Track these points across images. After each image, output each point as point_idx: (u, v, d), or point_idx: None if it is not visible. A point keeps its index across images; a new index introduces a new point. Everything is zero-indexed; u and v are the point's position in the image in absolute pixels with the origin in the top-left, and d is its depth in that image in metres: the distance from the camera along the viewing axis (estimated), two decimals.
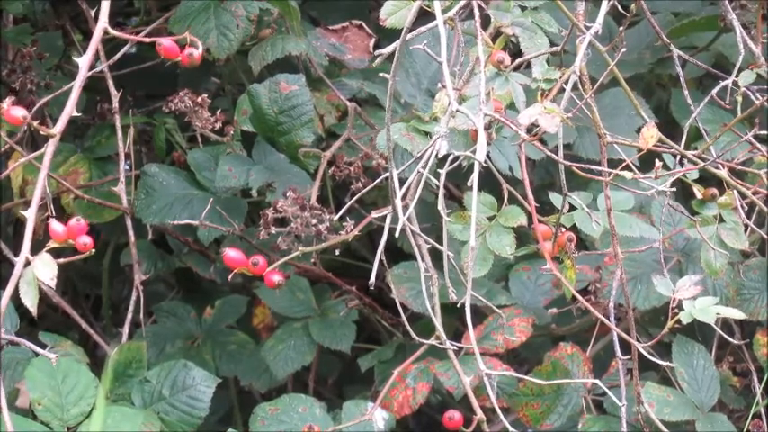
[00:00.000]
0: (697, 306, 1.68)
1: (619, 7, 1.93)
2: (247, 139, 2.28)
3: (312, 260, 2.26)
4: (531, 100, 1.71)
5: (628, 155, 1.78)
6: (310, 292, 2.42)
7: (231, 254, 1.91)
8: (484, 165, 1.63)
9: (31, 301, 1.62)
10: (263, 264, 1.91)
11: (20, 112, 1.67)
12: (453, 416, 1.91)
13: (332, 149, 2.22)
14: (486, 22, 1.81)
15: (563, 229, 1.86)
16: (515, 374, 1.96)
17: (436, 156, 1.67)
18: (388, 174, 1.79)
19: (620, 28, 1.96)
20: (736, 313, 1.70)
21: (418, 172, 1.71)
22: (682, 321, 1.68)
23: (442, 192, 1.68)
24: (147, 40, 1.79)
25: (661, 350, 2.15)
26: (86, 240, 1.67)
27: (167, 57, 1.77)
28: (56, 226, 1.67)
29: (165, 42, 1.76)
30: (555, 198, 1.88)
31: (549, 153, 1.73)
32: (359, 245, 2.66)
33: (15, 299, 1.68)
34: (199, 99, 2.20)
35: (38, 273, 1.61)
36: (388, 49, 1.75)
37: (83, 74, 1.71)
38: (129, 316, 2.26)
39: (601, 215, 1.86)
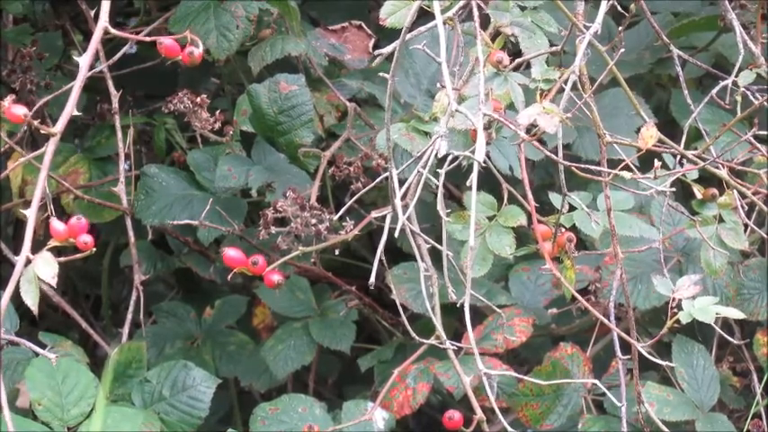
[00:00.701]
0: (697, 306, 1.68)
1: (618, 7, 1.93)
2: (247, 139, 2.28)
3: (312, 260, 2.26)
4: (531, 100, 1.72)
5: (627, 155, 1.78)
6: (310, 292, 2.42)
7: (231, 253, 1.91)
8: (483, 165, 1.62)
9: (32, 300, 1.62)
10: (262, 263, 1.91)
11: (21, 110, 1.67)
12: (453, 416, 1.91)
13: (332, 149, 2.22)
14: (485, 22, 1.81)
15: (563, 230, 1.87)
16: (515, 374, 1.96)
17: (436, 156, 1.67)
18: (387, 174, 1.79)
19: (620, 28, 1.96)
20: (736, 313, 1.70)
21: (418, 172, 1.71)
22: (682, 321, 1.68)
23: (441, 191, 1.68)
24: (148, 39, 1.79)
25: (661, 350, 2.15)
26: (87, 239, 1.67)
27: (168, 56, 1.77)
28: (57, 224, 1.67)
29: (165, 41, 1.76)
30: (555, 198, 1.88)
31: (548, 153, 1.73)
32: (359, 245, 2.66)
33: (15, 299, 1.67)
34: (198, 99, 2.20)
35: (39, 271, 1.61)
36: (387, 49, 1.75)
37: (83, 73, 1.71)
38: (129, 316, 2.26)
39: (600, 215, 1.86)
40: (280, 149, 2.21)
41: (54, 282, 1.61)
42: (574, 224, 1.87)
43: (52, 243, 1.65)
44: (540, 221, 1.84)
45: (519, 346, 2.24)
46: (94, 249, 1.67)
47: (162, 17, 2.31)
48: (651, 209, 2.16)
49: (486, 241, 1.87)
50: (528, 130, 1.66)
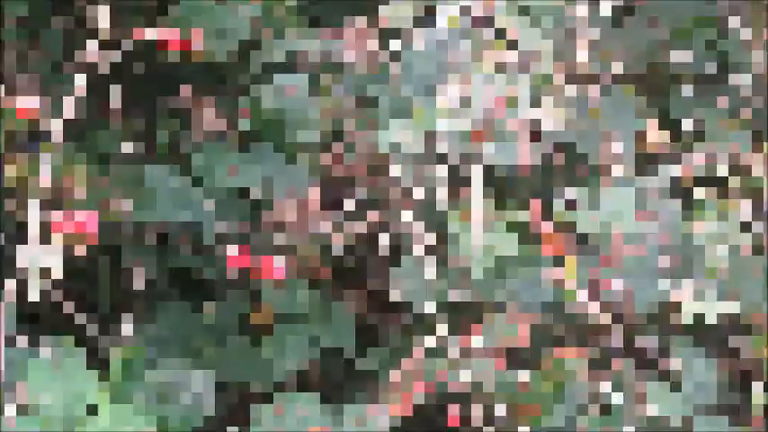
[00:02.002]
0: (698, 305, 1.69)
1: (620, 6, 1.94)
2: (247, 139, 2.28)
3: (312, 260, 2.26)
4: (532, 99, 1.72)
5: (628, 153, 1.78)
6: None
7: (232, 253, 1.92)
8: (484, 164, 1.63)
9: (35, 294, 1.62)
10: (263, 263, 1.91)
11: (30, 104, 1.67)
12: (453, 416, 1.91)
13: (332, 149, 2.22)
14: (487, 21, 1.81)
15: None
16: (515, 374, 1.97)
17: (437, 155, 1.67)
18: (388, 174, 1.80)
19: (621, 27, 1.97)
20: (737, 312, 1.71)
21: (419, 172, 1.71)
22: (683, 321, 1.68)
23: (442, 192, 1.69)
24: (148, 38, 1.79)
25: (660, 350, 2.15)
26: (93, 231, 1.67)
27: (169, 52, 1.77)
28: (62, 218, 1.67)
29: (167, 39, 1.76)
30: (555, 197, 1.89)
31: (549, 152, 1.73)
32: (359, 245, 2.66)
33: (15, 299, 1.68)
34: (199, 99, 2.20)
35: (43, 263, 1.61)
36: (389, 49, 1.75)
37: (83, 74, 1.71)
38: (129, 316, 2.26)
39: (601, 214, 1.87)
40: (280, 149, 2.21)
41: (59, 274, 1.61)
42: (574, 223, 1.88)
43: (57, 236, 1.65)
44: (540, 221, 1.85)
45: (518, 346, 2.24)
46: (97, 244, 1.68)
47: (162, 17, 2.32)
48: (651, 208, 2.16)
49: (487, 241, 1.87)
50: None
